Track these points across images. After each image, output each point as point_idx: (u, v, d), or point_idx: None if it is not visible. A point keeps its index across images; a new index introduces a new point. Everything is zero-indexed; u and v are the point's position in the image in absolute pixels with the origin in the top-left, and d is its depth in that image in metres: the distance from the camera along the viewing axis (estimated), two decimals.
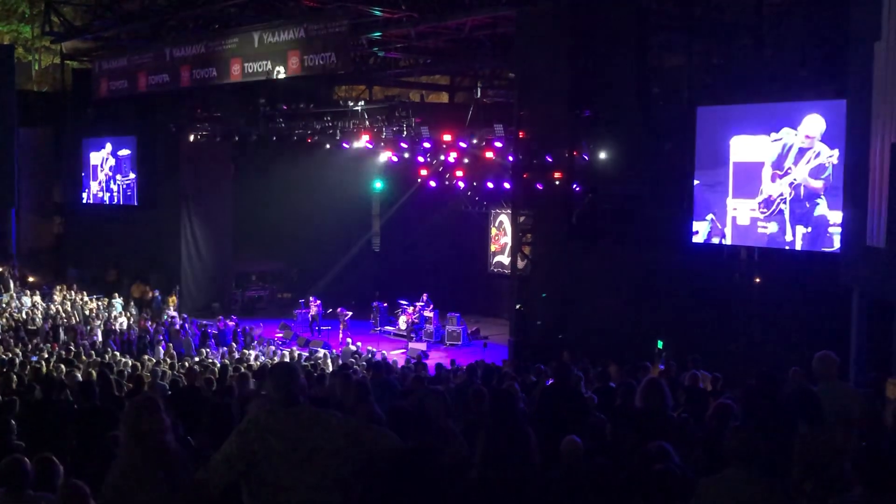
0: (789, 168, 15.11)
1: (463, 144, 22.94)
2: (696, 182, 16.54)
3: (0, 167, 28.95)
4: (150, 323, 23.50)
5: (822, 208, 14.75)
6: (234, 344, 21.77)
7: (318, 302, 25.75)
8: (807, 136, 14.76)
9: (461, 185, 27.00)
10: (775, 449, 5.93)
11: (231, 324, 23.70)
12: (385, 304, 26.42)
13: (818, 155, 14.69)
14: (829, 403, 6.31)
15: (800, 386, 7.21)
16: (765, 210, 15.47)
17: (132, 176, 29.73)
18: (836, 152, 14.21)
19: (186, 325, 23.34)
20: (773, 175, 15.34)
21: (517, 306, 19.51)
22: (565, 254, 18.85)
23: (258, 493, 4.30)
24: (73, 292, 26.57)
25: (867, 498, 4.36)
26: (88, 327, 22.17)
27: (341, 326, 24.56)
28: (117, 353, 18.85)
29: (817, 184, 14.71)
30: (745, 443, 4.85)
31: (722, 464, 4.92)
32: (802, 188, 14.93)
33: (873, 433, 6.71)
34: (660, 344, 16.60)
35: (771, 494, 4.77)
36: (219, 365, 15.66)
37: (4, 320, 22.00)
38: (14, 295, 25.74)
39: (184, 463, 4.57)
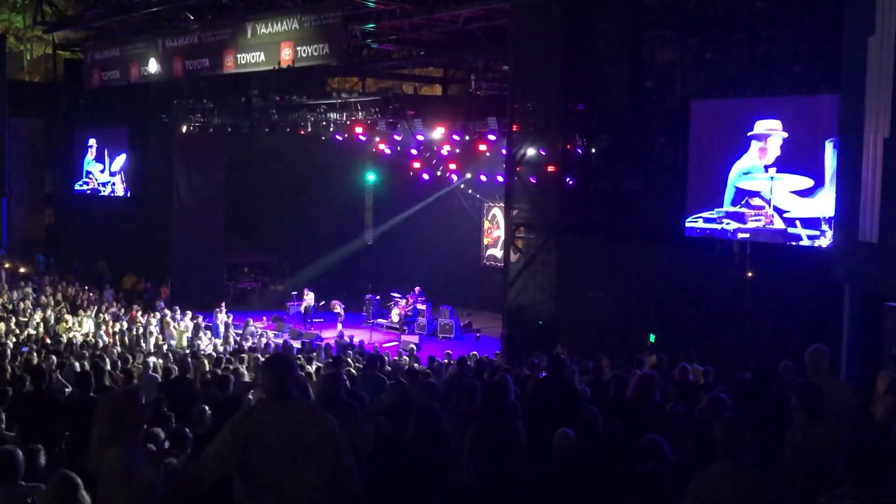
0: (782, 164, 15.14)
1: (456, 137, 22.91)
2: (688, 176, 16.56)
3: None
4: (141, 314, 23.45)
5: (814, 203, 14.79)
6: (229, 335, 21.76)
7: (312, 294, 25.73)
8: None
9: (454, 177, 26.97)
10: (766, 441, 5.95)
11: (222, 316, 23.66)
12: (377, 297, 26.41)
13: (810, 149, 14.71)
14: (826, 397, 6.31)
15: (804, 380, 7.22)
16: (759, 205, 15.50)
17: (123, 164, 29.63)
18: (829, 146, 14.23)
19: (178, 317, 23.29)
20: (766, 167, 15.37)
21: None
22: (558, 247, 18.86)
23: (250, 487, 4.28)
24: (64, 283, 26.51)
25: (857, 491, 4.37)
26: (79, 318, 22.11)
27: (339, 319, 24.59)
28: (109, 345, 18.83)
29: (808, 181, 14.74)
30: (732, 433, 4.86)
31: (713, 456, 4.94)
32: (795, 183, 14.96)
33: (863, 427, 6.73)
34: (652, 338, 16.65)
35: (761, 485, 4.79)
36: (213, 356, 15.65)
37: None
38: (6, 286, 25.67)
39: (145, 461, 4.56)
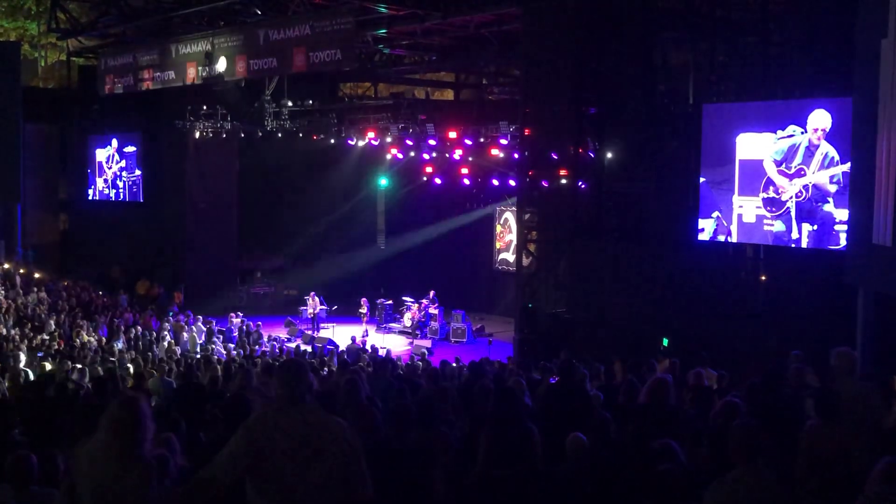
0: (801, 168, 15.04)
1: (468, 141, 22.92)
2: (701, 179, 16.50)
3: (6, 163, 28.98)
4: (155, 319, 23.52)
5: (828, 206, 14.72)
6: (244, 340, 21.81)
7: (318, 299, 25.74)
8: (815, 130, 14.74)
9: (466, 182, 26.98)
10: (779, 443, 5.92)
11: (237, 321, 23.73)
12: (390, 302, 26.43)
13: (831, 158, 14.61)
14: (846, 400, 6.26)
15: (822, 383, 7.19)
16: (773, 209, 15.43)
17: (137, 172, 29.77)
18: (847, 165, 14.09)
19: (192, 322, 23.37)
20: (781, 172, 15.30)
21: (529, 305, 19.37)
22: (570, 251, 18.83)
23: (263, 491, 4.29)
24: (78, 289, 26.62)
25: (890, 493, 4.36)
26: (94, 324, 22.19)
27: (363, 319, 24.66)
28: (122, 350, 18.92)
29: (832, 187, 14.64)
30: (747, 439, 4.83)
31: (727, 461, 4.91)
32: (814, 189, 14.87)
33: (879, 431, 6.69)
34: (665, 342, 16.59)
35: (777, 490, 4.76)
36: (224, 361, 15.69)
37: (11, 317, 22.03)
38: (20, 292, 25.79)
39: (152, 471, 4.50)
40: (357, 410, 6.74)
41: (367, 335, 23.55)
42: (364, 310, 25.05)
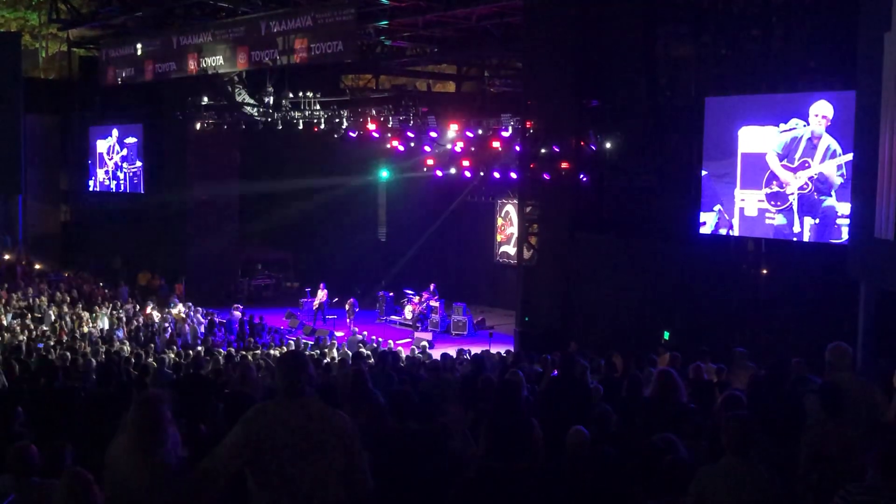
0: (805, 160, 15.01)
1: (470, 134, 22.89)
2: (703, 173, 16.48)
3: (7, 154, 29.01)
4: (155, 311, 23.53)
5: (830, 200, 14.70)
6: (245, 332, 21.80)
7: (326, 291, 25.75)
8: (816, 116, 14.70)
9: (468, 174, 26.95)
10: (782, 438, 5.91)
11: (237, 313, 23.73)
12: (391, 294, 26.43)
13: (833, 151, 14.58)
14: (844, 396, 6.26)
15: (819, 377, 7.18)
16: (776, 202, 15.40)
17: (138, 164, 29.76)
18: (850, 155, 14.07)
19: (192, 314, 23.37)
20: (785, 166, 15.27)
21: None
22: (572, 244, 18.81)
23: (263, 483, 4.28)
24: (79, 280, 26.65)
25: (882, 483, 4.38)
26: (94, 315, 22.21)
27: (348, 316, 24.64)
28: (124, 341, 18.93)
29: (838, 179, 14.61)
30: (741, 431, 4.90)
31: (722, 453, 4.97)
32: (818, 181, 14.83)
33: (879, 426, 6.68)
34: (666, 335, 16.59)
35: (767, 483, 4.81)
36: (224, 353, 15.70)
37: (11, 308, 22.06)
38: (21, 283, 25.82)
39: (174, 465, 4.57)
40: (364, 401, 6.76)
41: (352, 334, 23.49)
42: (349, 307, 25.06)
